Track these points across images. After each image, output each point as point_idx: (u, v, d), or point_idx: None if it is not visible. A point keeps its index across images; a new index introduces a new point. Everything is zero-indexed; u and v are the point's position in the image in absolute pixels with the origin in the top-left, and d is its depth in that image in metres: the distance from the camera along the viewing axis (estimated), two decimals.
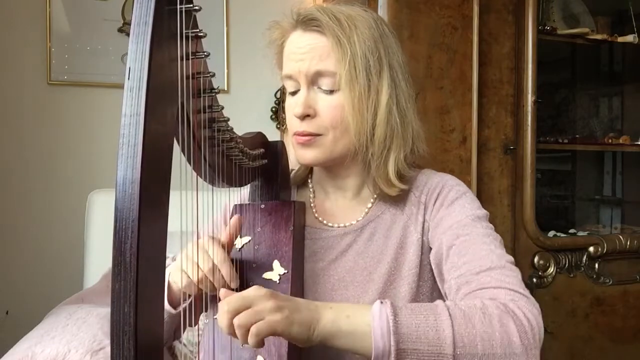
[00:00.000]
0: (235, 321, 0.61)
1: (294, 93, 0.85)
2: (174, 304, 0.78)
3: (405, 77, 0.86)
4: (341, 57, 0.79)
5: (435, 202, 0.86)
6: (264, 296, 0.62)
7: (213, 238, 0.74)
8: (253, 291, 0.63)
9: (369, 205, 0.90)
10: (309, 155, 0.84)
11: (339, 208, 0.91)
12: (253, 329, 0.60)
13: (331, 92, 0.81)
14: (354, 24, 0.80)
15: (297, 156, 0.87)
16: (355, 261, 0.85)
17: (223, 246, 0.74)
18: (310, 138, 0.82)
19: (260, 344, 0.61)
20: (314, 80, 0.82)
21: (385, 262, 0.84)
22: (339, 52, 0.79)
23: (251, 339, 0.60)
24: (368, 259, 0.85)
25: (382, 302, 0.65)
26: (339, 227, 0.89)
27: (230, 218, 0.87)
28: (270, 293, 0.63)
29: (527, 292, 0.70)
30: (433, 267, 0.83)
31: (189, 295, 0.75)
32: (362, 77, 0.80)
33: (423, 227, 0.86)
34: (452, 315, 0.64)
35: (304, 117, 0.82)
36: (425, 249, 0.85)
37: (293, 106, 0.84)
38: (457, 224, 0.81)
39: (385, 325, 0.62)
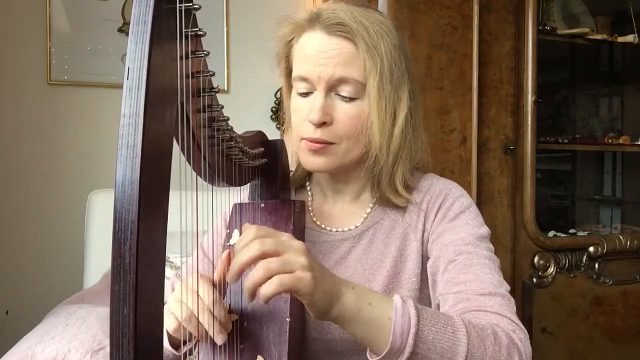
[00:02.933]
0: (264, 264, 0.55)
1: (305, 94, 0.81)
2: (174, 345, 0.74)
3: (416, 86, 0.84)
4: (372, 66, 0.76)
5: (437, 212, 0.84)
6: (298, 249, 0.58)
7: (202, 277, 0.68)
8: (288, 238, 0.59)
9: (368, 210, 0.88)
10: (319, 162, 0.81)
11: (338, 212, 0.90)
12: (275, 279, 0.55)
13: (350, 99, 0.79)
14: (380, 32, 0.77)
15: (303, 161, 0.84)
16: (354, 268, 0.84)
17: (214, 285, 0.68)
18: (323, 146, 0.80)
19: (270, 298, 0.55)
20: (333, 86, 0.78)
21: (384, 270, 0.83)
22: (370, 61, 0.76)
23: (269, 288, 0.55)
24: (367, 266, 0.84)
25: (403, 300, 0.63)
26: (337, 231, 0.88)
27: (229, 219, 0.86)
28: (305, 248, 0.59)
29: (521, 325, 0.72)
30: (428, 275, 0.82)
31: (189, 339, 0.70)
32: (388, 88, 0.77)
33: (423, 236, 0.84)
34: (469, 332, 0.64)
35: (321, 124, 0.79)
36: (424, 259, 0.84)
37: (306, 110, 0.80)
38: (460, 240, 0.79)
39: (407, 324, 0.61)
